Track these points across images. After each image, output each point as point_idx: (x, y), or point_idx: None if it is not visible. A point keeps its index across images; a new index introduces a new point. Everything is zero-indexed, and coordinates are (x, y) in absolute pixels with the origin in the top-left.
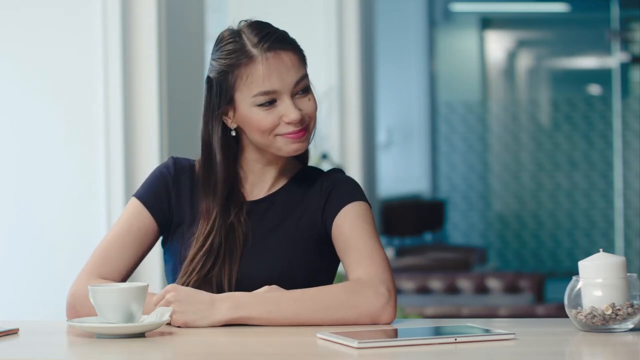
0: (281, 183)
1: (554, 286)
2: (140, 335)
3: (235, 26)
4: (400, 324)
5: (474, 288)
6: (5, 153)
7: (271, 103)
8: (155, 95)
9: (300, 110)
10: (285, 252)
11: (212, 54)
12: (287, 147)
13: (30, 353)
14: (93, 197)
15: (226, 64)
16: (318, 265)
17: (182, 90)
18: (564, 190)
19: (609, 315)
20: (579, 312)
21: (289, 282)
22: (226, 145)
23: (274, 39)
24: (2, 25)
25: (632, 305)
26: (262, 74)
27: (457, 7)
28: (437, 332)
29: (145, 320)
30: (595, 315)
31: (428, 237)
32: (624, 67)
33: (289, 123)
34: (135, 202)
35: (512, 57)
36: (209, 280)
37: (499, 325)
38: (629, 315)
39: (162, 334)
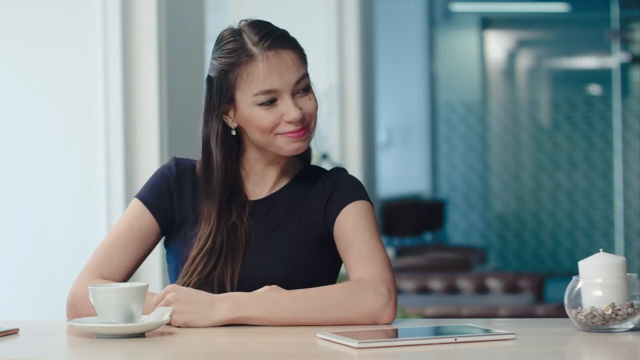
0: (283, 182)
1: (554, 286)
2: (140, 335)
3: (235, 25)
4: (400, 324)
5: (474, 288)
6: (5, 153)
7: (272, 102)
8: (155, 95)
9: (300, 109)
10: (288, 251)
11: (212, 53)
12: (288, 146)
13: (30, 353)
14: (93, 197)
15: (227, 62)
16: (320, 265)
17: (182, 90)
18: (564, 190)
19: (609, 315)
20: (579, 312)
21: (291, 282)
22: (227, 145)
23: (274, 38)
24: (2, 25)
25: (632, 305)
26: (263, 72)
27: (457, 7)
28: (437, 332)
29: (145, 320)
30: (595, 315)
31: (428, 237)
32: (624, 67)
33: (289, 122)
34: (137, 203)
35: (512, 57)
36: (210, 281)
37: (499, 325)
38: (629, 315)
39: (162, 334)
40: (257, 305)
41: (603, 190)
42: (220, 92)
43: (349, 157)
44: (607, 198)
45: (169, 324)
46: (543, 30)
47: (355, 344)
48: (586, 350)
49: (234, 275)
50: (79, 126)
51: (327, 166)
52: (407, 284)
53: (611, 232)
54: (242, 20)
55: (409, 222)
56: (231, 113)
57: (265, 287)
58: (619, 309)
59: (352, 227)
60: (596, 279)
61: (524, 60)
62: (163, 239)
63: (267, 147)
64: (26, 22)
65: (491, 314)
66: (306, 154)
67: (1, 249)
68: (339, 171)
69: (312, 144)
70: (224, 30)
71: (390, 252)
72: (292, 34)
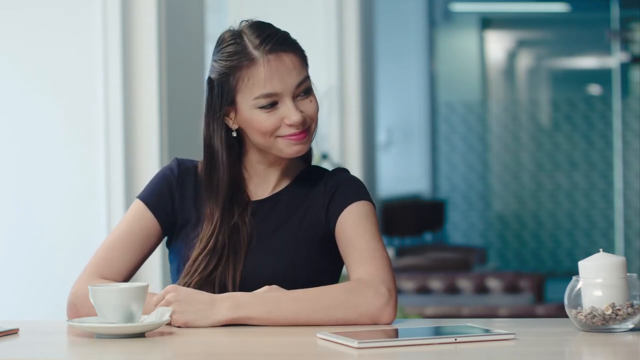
0: (285, 183)
1: (554, 286)
2: (140, 335)
3: (236, 27)
4: (400, 324)
5: (474, 288)
6: (5, 153)
7: (272, 105)
8: (155, 95)
9: (301, 112)
10: (289, 251)
11: (213, 54)
12: (289, 148)
13: (30, 353)
14: (93, 197)
15: (227, 65)
16: (322, 265)
17: (182, 90)
18: (564, 190)
19: (609, 315)
20: (579, 312)
21: (293, 282)
22: (228, 146)
23: (275, 41)
24: (2, 25)
25: (632, 305)
26: (264, 76)
27: (457, 7)
28: (437, 332)
29: (145, 320)
30: (595, 315)
31: (428, 237)
32: (624, 67)
33: (290, 125)
34: (138, 204)
35: (512, 57)
36: (212, 281)
37: (499, 325)
38: (629, 315)
39: (162, 334)
40: (257, 305)
41: (603, 190)
42: (221, 95)
43: (349, 157)
44: (607, 198)
45: (169, 324)
46: (543, 30)
47: (355, 344)
48: (586, 350)
49: (235, 275)
50: (79, 126)
51: (327, 166)
52: (407, 284)
53: (611, 232)
54: (243, 21)
55: (409, 222)
56: (232, 115)
57: (265, 287)
58: (619, 309)
59: (353, 227)
60: (596, 279)
61: (524, 60)
62: (165, 239)
63: (268, 150)
64: (26, 22)
65: (491, 314)
66: (307, 154)
67: (1, 249)
68: (341, 171)
69: (313, 144)
70: (225, 32)
71: (390, 252)
72: (292, 34)
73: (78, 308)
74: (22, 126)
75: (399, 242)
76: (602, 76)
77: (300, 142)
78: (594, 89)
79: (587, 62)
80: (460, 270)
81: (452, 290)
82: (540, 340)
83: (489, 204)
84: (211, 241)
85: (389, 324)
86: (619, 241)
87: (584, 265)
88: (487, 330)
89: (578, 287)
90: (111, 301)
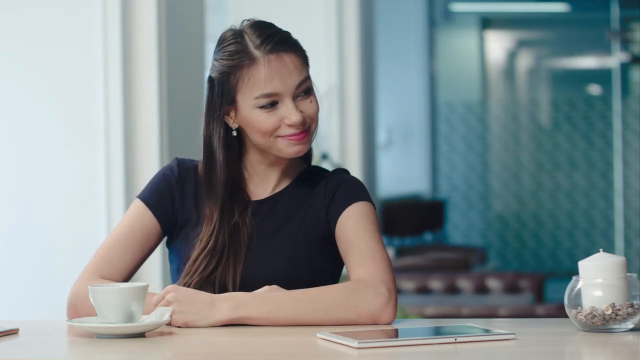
0: (285, 183)
1: (554, 286)
2: (140, 335)
3: (237, 26)
4: (400, 324)
5: (474, 288)
6: (5, 153)
7: (272, 105)
8: (155, 95)
9: (301, 112)
10: (289, 252)
11: (214, 53)
12: (288, 149)
13: (30, 353)
14: (93, 197)
15: (228, 65)
16: (322, 266)
17: (182, 90)
18: (564, 190)
19: (609, 315)
20: (579, 312)
21: (293, 282)
22: (228, 146)
23: (276, 41)
24: (2, 25)
25: (632, 305)
26: (264, 76)
27: (457, 7)
28: (437, 332)
29: (145, 320)
30: (595, 315)
31: (428, 237)
32: (624, 67)
33: (290, 125)
34: (138, 204)
35: (512, 57)
36: (212, 281)
37: (499, 325)
38: (629, 315)
39: (162, 334)
40: (257, 305)
41: (603, 190)
42: (222, 94)
43: (349, 157)
44: (607, 198)
45: (169, 324)
46: (543, 30)
47: (355, 344)
48: (586, 350)
49: (236, 275)
50: (79, 126)
51: (327, 166)
52: (407, 284)
53: (611, 232)
54: (244, 20)
55: (409, 222)
56: (232, 114)
57: (265, 287)
58: (619, 309)
59: (354, 228)
60: (596, 279)
61: (524, 60)
62: (165, 239)
63: (267, 149)
64: (26, 22)
65: (491, 314)
66: (307, 154)
67: (1, 249)
68: (342, 172)
69: (313, 144)
70: (226, 31)
71: (390, 252)
72: (292, 34)
73: (78, 308)
74: (22, 126)
75: (399, 242)
76: (602, 76)
77: (300, 143)
78: (594, 89)
79: (587, 62)
80: (460, 270)
81: (452, 290)
82: (540, 340)
83: (489, 204)
84: (211, 241)
85: (389, 324)
86: (619, 241)
87: (584, 265)
88: (487, 330)
89: (578, 287)
90: (111, 301)
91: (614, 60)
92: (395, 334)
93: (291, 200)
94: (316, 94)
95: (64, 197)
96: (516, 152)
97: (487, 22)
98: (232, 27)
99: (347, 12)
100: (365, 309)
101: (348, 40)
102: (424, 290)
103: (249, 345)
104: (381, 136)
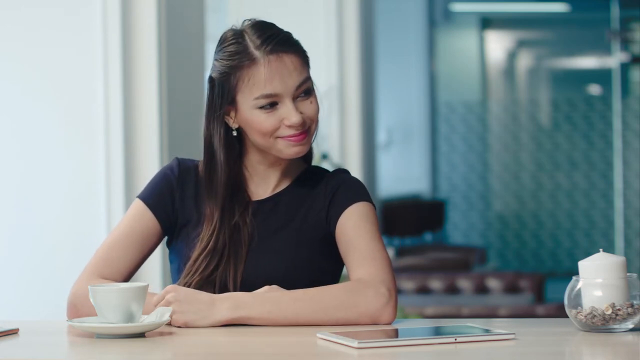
0: (285, 183)
1: (554, 286)
2: (140, 335)
3: (238, 26)
4: (400, 324)
5: (474, 288)
6: (5, 153)
7: (272, 106)
8: (155, 95)
9: (301, 113)
10: (290, 252)
11: (215, 53)
12: (288, 149)
13: (30, 353)
14: (93, 197)
15: (228, 65)
16: (323, 266)
17: (182, 90)
18: (564, 190)
19: (609, 315)
20: (579, 312)
21: (293, 283)
22: (228, 146)
23: (276, 42)
24: (2, 25)
25: (632, 305)
26: (264, 77)
27: (457, 7)
28: (437, 332)
29: (145, 320)
30: (595, 315)
31: (428, 237)
32: (624, 67)
33: (289, 126)
34: (138, 204)
35: (512, 57)
36: (212, 281)
37: (499, 325)
38: (629, 315)
39: (162, 334)
40: (257, 305)
41: (603, 190)
42: (222, 94)
43: (349, 157)
44: (607, 198)
45: (169, 324)
46: (543, 30)
47: (355, 344)
48: (586, 350)
49: (236, 275)
50: (79, 126)
51: (327, 166)
52: (407, 284)
53: (611, 232)
54: (245, 20)
55: (409, 222)
56: (232, 114)
57: (266, 287)
58: (619, 309)
59: (354, 228)
60: (596, 279)
61: (524, 60)
62: (165, 239)
63: (267, 150)
64: (26, 22)
65: (491, 314)
66: (307, 155)
67: (1, 249)
68: (342, 172)
69: (313, 145)
70: (227, 31)
71: (390, 252)
72: (293, 34)
73: (78, 308)
74: (22, 126)
75: (399, 242)
76: (602, 76)
77: (300, 143)
78: (594, 89)
79: (587, 62)
80: (460, 270)
81: (452, 290)
82: (540, 340)
83: (489, 204)
84: (212, 241)
85: (389, 324)
86: (619, 241)
87: (584, 265)
88: (487, 330)
89: (578, 287)
90: (111, 301)
91: (614, 60)
92: (395, 334)
93: (292, 200)
94: (317, 95)
95: (64, 197)
96: (516, 152)
97: (487, 22)
98: (233, 27)
99: (347, 12)
100: (366, 309)
101: (348, 40)
102: (424, 290)
103: (249, 345)
104: (381, 136)
